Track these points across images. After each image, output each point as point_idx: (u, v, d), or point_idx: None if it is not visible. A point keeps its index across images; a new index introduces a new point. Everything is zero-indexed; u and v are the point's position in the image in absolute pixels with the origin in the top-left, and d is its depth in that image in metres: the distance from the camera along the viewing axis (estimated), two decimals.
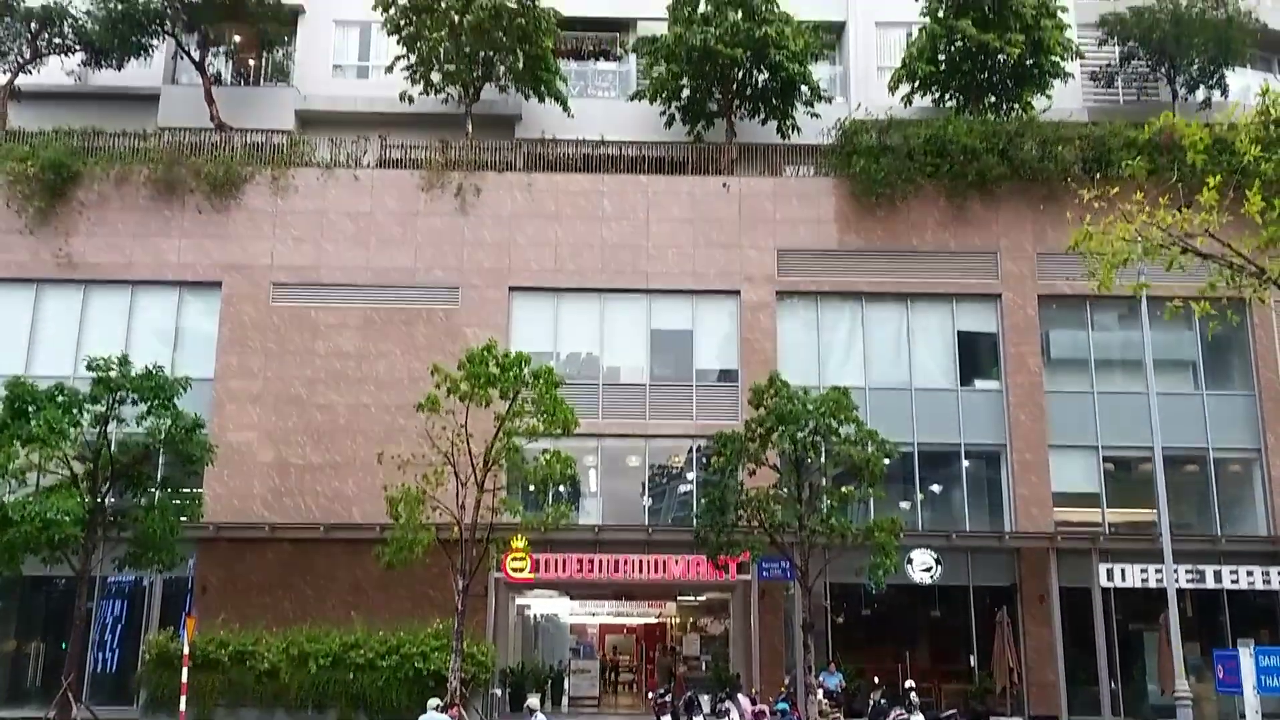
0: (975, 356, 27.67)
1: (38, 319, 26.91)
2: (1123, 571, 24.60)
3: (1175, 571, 21.82)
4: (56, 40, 28.70)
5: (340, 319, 26.75)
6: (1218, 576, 24.74)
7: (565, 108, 28.78)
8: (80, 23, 28.48)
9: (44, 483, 21.83)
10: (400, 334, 26.63)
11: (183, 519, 22.25)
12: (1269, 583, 24.91)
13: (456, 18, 27.28)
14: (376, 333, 26.67)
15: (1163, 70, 30.03)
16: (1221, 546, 25.42)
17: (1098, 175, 24.96)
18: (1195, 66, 29.35)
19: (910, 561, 24.27)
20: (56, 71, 29.36)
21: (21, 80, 29.22)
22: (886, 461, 22.54)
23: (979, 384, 27.49)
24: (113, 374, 20.75)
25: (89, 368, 20.90)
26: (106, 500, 21.35)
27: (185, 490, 23.29)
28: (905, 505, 26.35)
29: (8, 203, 26.77)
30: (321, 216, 27.33)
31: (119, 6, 27.65)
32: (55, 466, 20.97)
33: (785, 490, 22.16)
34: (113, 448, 21.53)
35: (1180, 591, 23.00)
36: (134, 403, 21.09)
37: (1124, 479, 27.12)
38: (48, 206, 26.84)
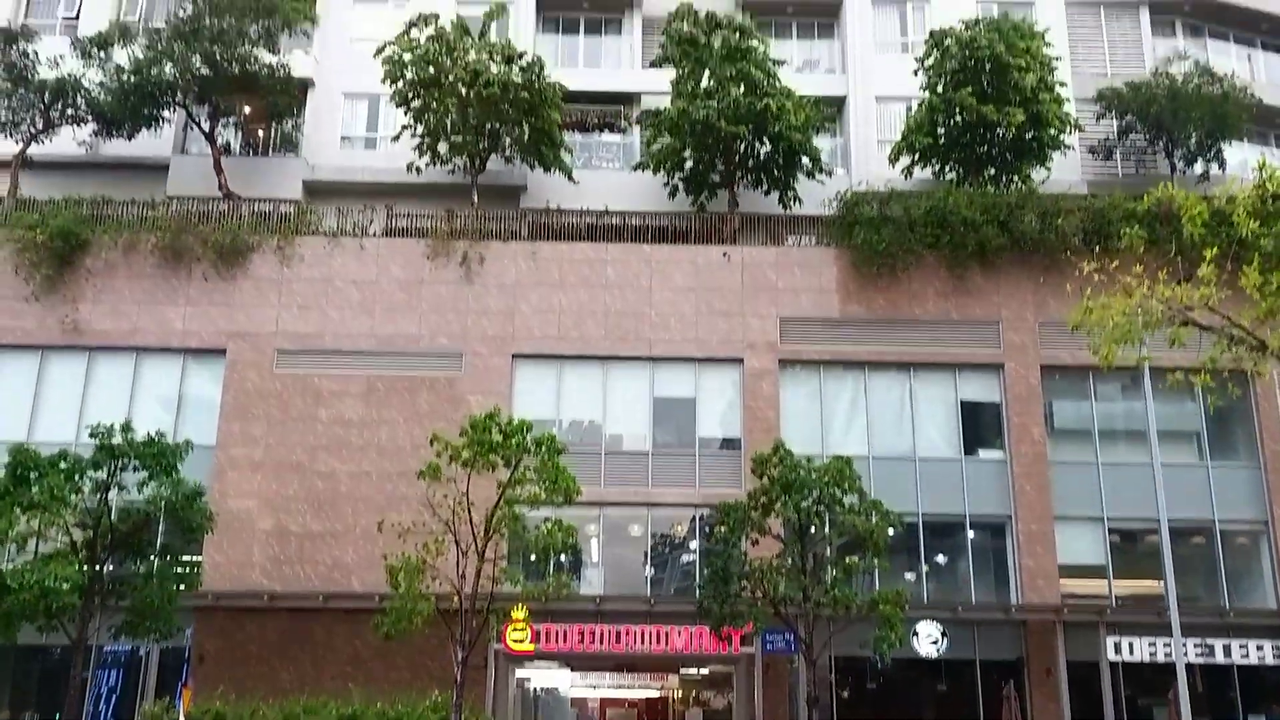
0: (979, 426, 27.62)
1: (42, 385, 26.98)
2: (1130, 645, 24.34)
3: (1184, 645, 21.55)
4: (70, 111, 29.14)
5: (343, 386, 26.80)
6: (1227, 650, 24.45)
7: (570, 177, 29.13)
8: (93, 94, 28.94)
9: (42, 549, 21.68)
10: (403, 401, 26.65)
11: (181, 588, 22.06)
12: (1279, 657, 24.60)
13: (464, 91, 27.74)
14: (379, 400, 26.70)
15: (1161, 144, 30.40)
16: (1230, 620, 25.14)
17: (1097, 247, 25.14)
18: (1193, 140, 29.74)
19: (916, 634, 24.00)
20: (68, 141, 29.78)
21: (34, 150, 29.59)
22: (891, 532, 22.36)
23: (983, 454, 27.41)
24: (115, 440, 20.74)
25: (92, 434, 20.90)
26: (105, 568, 21.20)
27: (184, 558, 23.12)
28: (910, 576, 26.13)
29: (16, 270, 27.00)
30: (327, 284, 27.53)
31: (132, 79, 28.12)
32: (55, 533, 20.86)
33: (789, 561, 21.97)
34: (113, 515, 21.42)
35: (1189, 666, 22.69)
36: (135, 469, 21.03)
37: (1130, 551, 26.92)
38: (55, 274, 27.08)
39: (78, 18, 32.24)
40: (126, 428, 21.09)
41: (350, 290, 27.50)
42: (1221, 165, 29.99)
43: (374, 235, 28.36)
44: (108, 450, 20.69)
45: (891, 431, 27.37)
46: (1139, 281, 15.16)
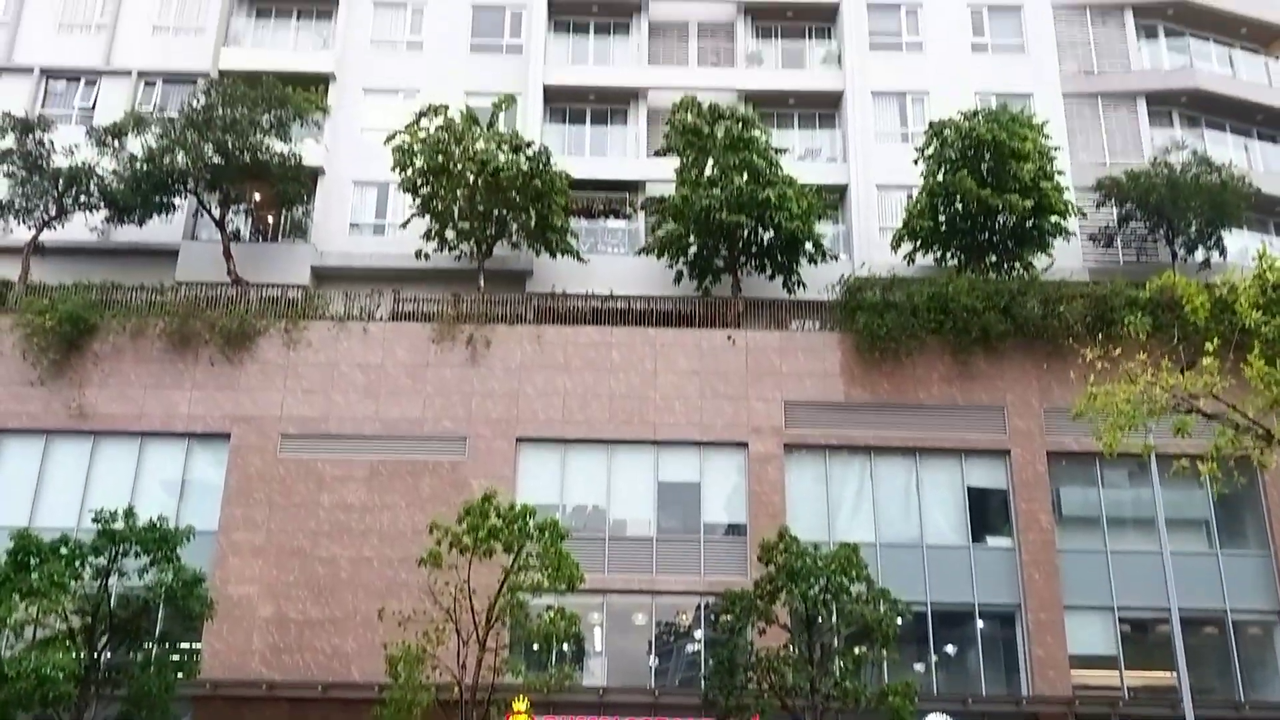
0: (986, 513, 27.39)
1: (46, 470, 26.93)
2: None
3: None
4: (82, 198, 29.50)
5: (346, 470, 26.71)
6: None
7: (578, 257, 29.38)
8: (106, 182, 29.32)
9: (40, 636, 21.41)
10: (406, 486, 26.53)
11: (179, 676, 21.72)
12: None
13: (472, 178, 28.16)
14: (382, 484, 26.58)
15: (1161, 231, 30.64)
16: (1245, 713, 24.67)
17: (1101, 334, 25.15)
18: (1193, 228, 29.95)
19: None
20: (80, 228, 30.17)
21: (45, 236, 29.91)
22: (899, 621, 22.07)
23: (991, 541, 27.14)
24: (117, 526, 20.62)
25: (94, 519, 20.78)
26: (103, 656, 20.90)
27: (183, 645, 22.81)
28: (919, 667, 25.65)
29: (24, 355, 27.12)
30: (333, 369, 27.63)
31: (144, 167, 28.55)
32: (53, 620, 20.62)
33: (796, 651, 21.63)
34: (112, 602, 21.20)
35: None
36: (137, 555, 20.86)
37: (1142, 641, 26.46)
38: (62, 358, 27.20)
39: (94, 108, 32.98)
40: (129, 514, 20.96)
41: (355, 374, 27.59)
42: (1222, 253, 30.19)
43: (380, 320, 28.56)
44: (109, 536, 20.55)
45: (898, 518, 27.16)
46: (1143, 369, 15.20)
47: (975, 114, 29.03)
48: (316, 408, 27.27)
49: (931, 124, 29.79)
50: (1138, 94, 34.16)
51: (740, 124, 29.03)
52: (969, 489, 27.40)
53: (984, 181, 27.93)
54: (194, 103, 29.37)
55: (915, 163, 29.82)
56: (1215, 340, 15.07)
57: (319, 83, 33.01)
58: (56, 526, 23.41)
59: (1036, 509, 26.66)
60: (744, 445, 27.30)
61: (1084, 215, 30.37)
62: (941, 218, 29.03)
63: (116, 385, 27.36)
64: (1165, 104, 34.43)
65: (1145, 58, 35.06)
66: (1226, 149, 33.33)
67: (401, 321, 28.77)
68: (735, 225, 27.98)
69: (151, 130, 28.99)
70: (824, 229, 30.45)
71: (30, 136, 29.21)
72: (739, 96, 33.57)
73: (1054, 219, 28.60)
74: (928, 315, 27.50)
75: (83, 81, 33.81)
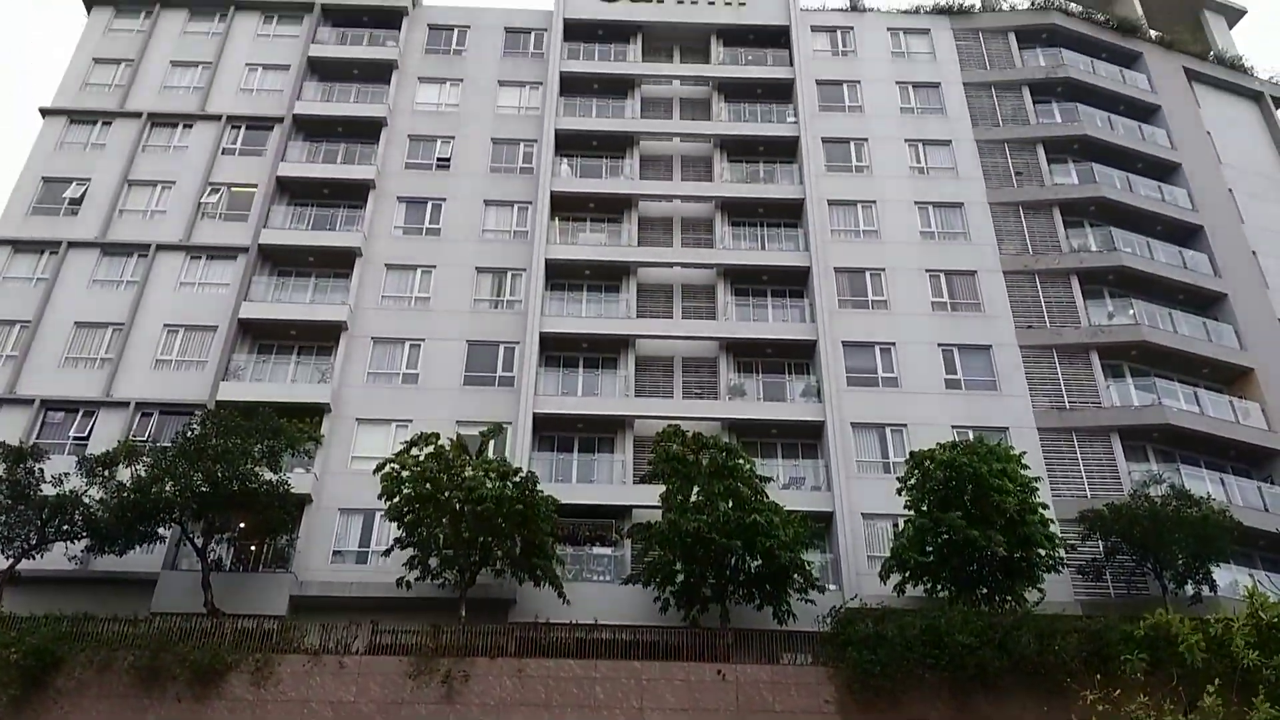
0: None
1: None
2: None
3: None
4: (65, 527, 29.25)
5: None
6: None
7: (560, 592, 28.91)
8: (92, 511, 29.13)
9: None
10: None
11: None
12: None
13: (459, 506, 28.25)
14: None
15: (1149, 565, 30.53)
16: None
17: (1099, 674, 24.27)
18: (1180, 561, 29.81)
19: None
20: (59, 557, 29.78)
21: (23, 565, 29.39)
22: None
23: None
24: None
25: None
26: None
27: None
28: None
29: None
30: (303, 705, 26.36)
31: (131, 496, 28.49)
32: None
33: None
34: None
35: None
36: None
37: None
38: (21, 694, 25.95)
39: (88, 438, 33.56)
40: None
41: (326, 711, 26.29)
42: (1212, 587, 29.82)
43: (356, 653, 27.61)
44: None
45: None
46: (1144, 711, 14.67)
47: (954, 445, 29.65)
48: None
49: (912, 454, 30.38)
50: (1111, 430, 35.23)
51: (724, 453, 29.60)
52: None
53: (968, 513, 28.08)
54: (188, 433, 29.81)
55: (899, 493, 30.13)
56: (1215, 680, 14.65)
57: (314, 413, 33.89)
58: None
59: None
60: None
61: (1069, 549, 30.36)
62: (929, 548, 28.94)
63: None
64: (1139, 439, 35.48)
65: (1114, 395, 36.47)
66: (1204, 483, 33.88)
67: (378, 655, 27.81)
68: (723, 550, 27.83)
69: (143, 460, 29.27)
70: (812, 558, 30.29)
71: (21, 466, 29.33)
72: (722, 426, 34.49)
73: (1041, 552, 28.54)
74: (922, 650, 26.74)
75: (80, 412, 34.62)
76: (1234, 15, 52.85)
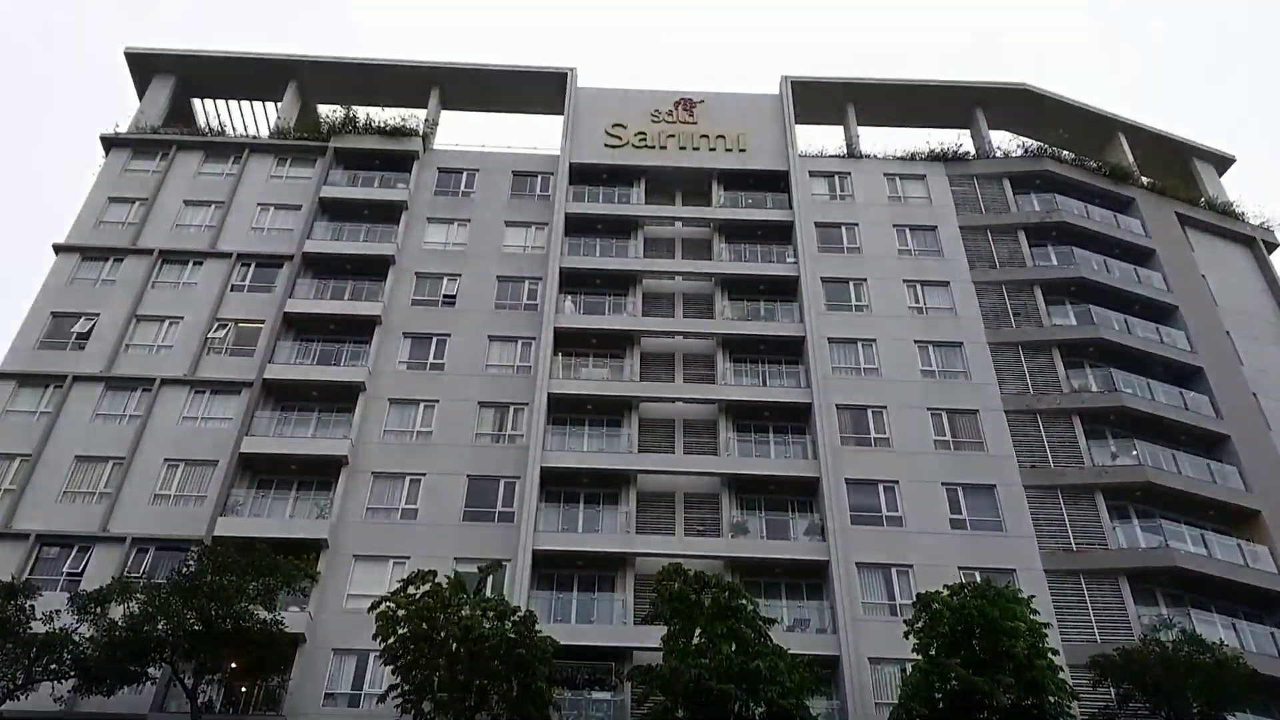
0: None
1: None
2: None
3: None
4: (53, 666, 28.37)
5: None
6: None
7: None
8: (81, 649, 28.36)
9: None
10: None
11: None
12: None
13: (455, 646, 27.58)
14: None
15: (1163, 713, 29.59)
16: None
17: None
18: (1195, 710, 28.92)
19: None
20: (44, 697, 28.84)
21: (6, 705, 28.47)
22: None
23: None
24: None
25: None
26: None
27: None
28: None
29: None
30: None
31: (122, 634, 27.86)
32: None
33: None
34: None
35: None
36: None
37: None
38: None
39: (82, 573, 33.02)
40: None
41: None
42: None
43: None
44: None
45: None
46: None
47: (962, 588, 29.11)
48: None
49: (919, 596, 29.78)
50: (1119, 572, 34.73)
51: (727, 593, 29.03)
52: None
53: (977, 661, 27.34)
54: (183, 569, 29.33)
55: (905, 636, 29.44)
56: None
57: (311, 549, 33.47)
58: None
59: None
60: None
61: (1077, 698, 29.45)
62: (938, 695, 28.09)
63: None
64: (1148, 582, 34.92)
65: (1121, 537, 36.05)
66: (1215, 628, 33.25)
67: None
68: (725, 696, 27.00)
69: (136, 597, 28.71)
70: (818, 705, 29.42)
71: (12, 603, 28.69)
72: (725, 564, 33.98)
73: (1052, 700, 27.69)
74: None
75: (75, 548, 34.16)
76: (1223, 164, 54.34)
